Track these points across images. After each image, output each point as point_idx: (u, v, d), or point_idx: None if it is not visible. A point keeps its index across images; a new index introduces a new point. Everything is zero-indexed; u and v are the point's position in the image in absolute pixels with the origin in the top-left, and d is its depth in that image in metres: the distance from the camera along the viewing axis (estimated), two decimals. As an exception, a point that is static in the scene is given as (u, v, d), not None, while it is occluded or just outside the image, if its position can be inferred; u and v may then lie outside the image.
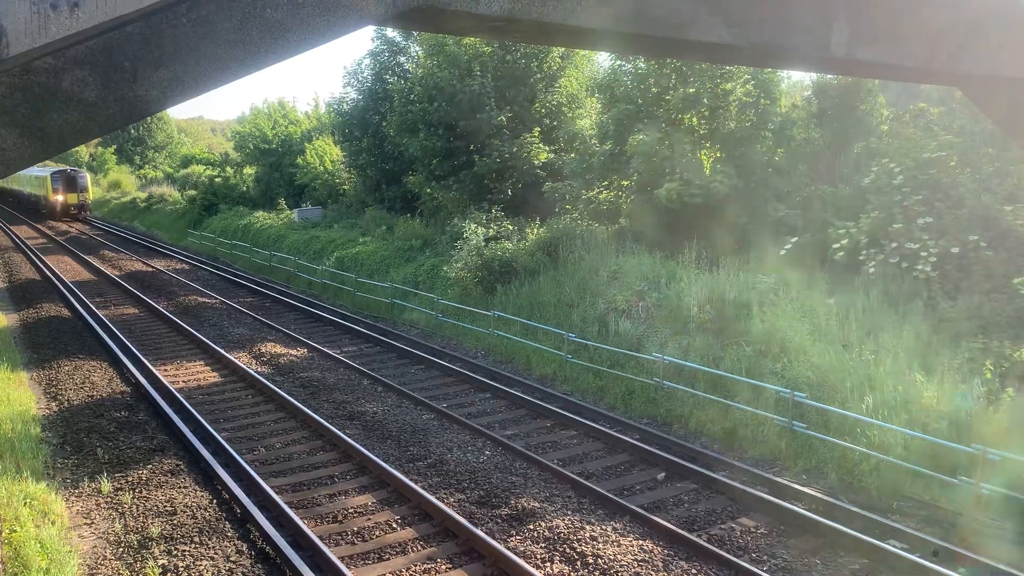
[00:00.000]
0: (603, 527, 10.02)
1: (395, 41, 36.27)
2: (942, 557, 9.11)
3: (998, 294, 14.12)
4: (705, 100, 21.23)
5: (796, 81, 24.16)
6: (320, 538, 9.61)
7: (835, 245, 16.48)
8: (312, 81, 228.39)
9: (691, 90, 21.46)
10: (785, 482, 11.30)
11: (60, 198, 59.76)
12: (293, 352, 19.15)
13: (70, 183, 60.14)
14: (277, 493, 10.93)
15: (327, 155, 43.60)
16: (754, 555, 9.51)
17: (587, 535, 9.77)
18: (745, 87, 21.63)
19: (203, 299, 26.13)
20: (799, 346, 14.18)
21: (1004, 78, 10.69)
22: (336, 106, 40.05)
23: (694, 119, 21.99)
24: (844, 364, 13.31)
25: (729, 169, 20.11)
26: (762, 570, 8.98)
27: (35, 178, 65.18)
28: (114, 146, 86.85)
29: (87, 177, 64.08)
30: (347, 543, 9.78)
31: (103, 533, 10.08)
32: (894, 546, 9.35)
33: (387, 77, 35.88)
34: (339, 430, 13.40)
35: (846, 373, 13.08)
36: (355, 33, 7.62)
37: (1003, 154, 16.25)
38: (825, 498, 10.76)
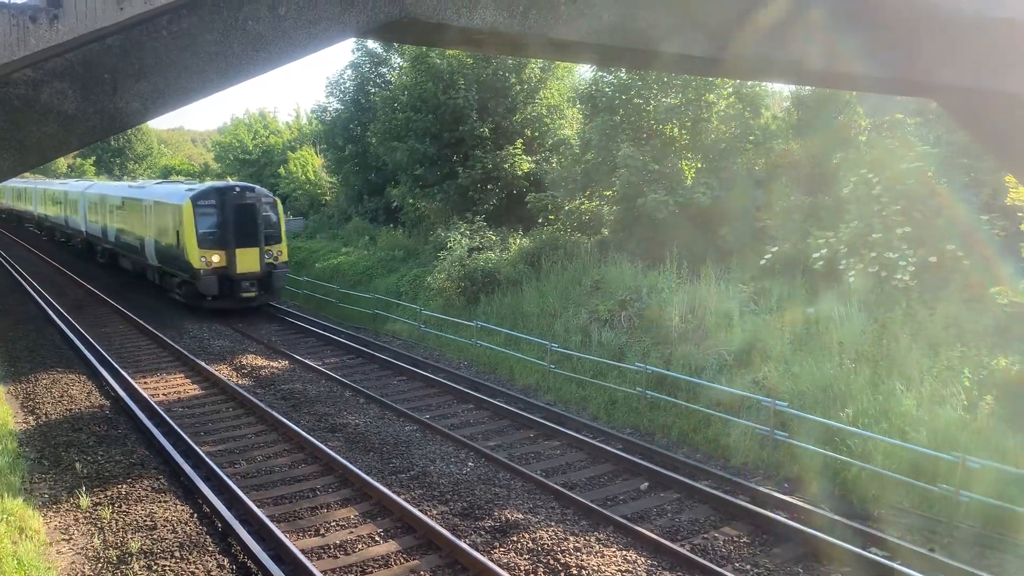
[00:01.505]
0: (587, 538, 10.02)
1: (376, 53, 36.35)
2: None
3: (976, 303, 14.28)
4: (688, 111, 21.39)
5: (774, 92, 24.38)
6: (302, 552, 9.54)
7: (815, 255, 16.62)
8: (293, 92, 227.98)
9: (673, 101, 21.62)
10: (767, 491, 11.34)
11: (215, 258, 24.22)
12: (274, 364, 19.03)
13: (243, 219, 24.55)
14: (259, 507, 10.84)
15: (309, 165, 43.56)
16: (737, 564, 9.54)
17: (571, 546, 9.76)
18: (728, 99, 21.83)
19: (181, 312, 25.91)
20: (780, 355, 14.27)
21: (978, 90, 10.87)
22: (319, 114, 40.09)
23: (676, 130, 22.14)
24: (824, 373, 13.40)
25: (711, 180, 20.26)
26: (745, 579, 9.00)
27: (148, 207, 27.88)
28: (93, 157, 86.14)
29: (277, 206, 26.42)
30: (330, 556, 9.71)
31: (82, 549, 9.96)
32: (875, 554, 9.41)
33: (369, 88, 35.96)
34: (321, 442, 13.32)
35: (827, 382, 13.16)
36: (337, 45, 7.64)
37: (978, 164, 16.46)
38: (807, 507, 10.81)
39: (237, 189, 25.21)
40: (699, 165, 21.89)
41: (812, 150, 20.07)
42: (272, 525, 10.12)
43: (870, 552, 9.44)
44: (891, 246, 15.54)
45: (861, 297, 15.20)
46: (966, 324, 13.77)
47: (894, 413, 12.05)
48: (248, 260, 24.35)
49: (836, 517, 10.43)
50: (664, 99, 22.15)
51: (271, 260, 24.88)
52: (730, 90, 21.85)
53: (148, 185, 31.88)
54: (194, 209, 24.25)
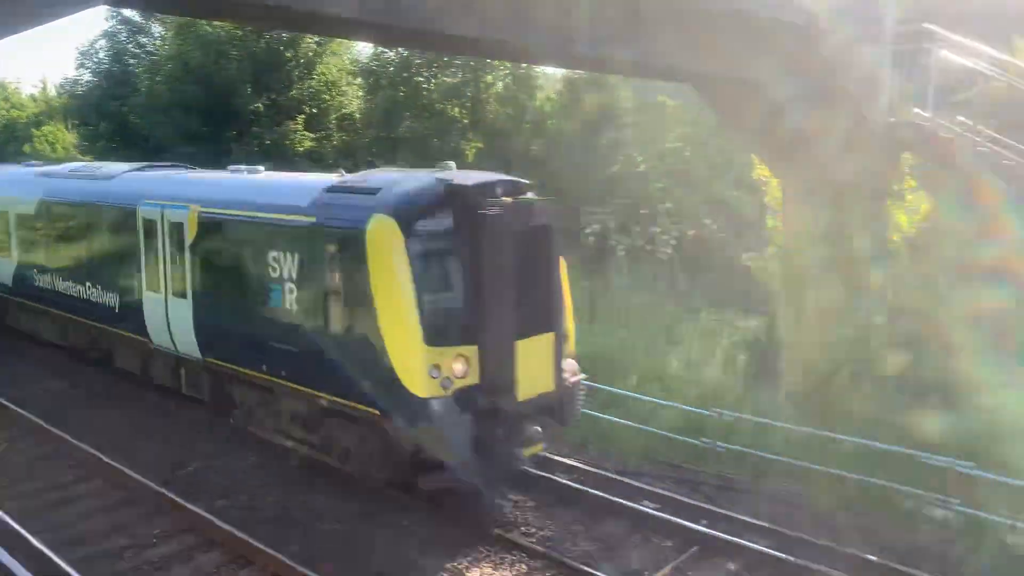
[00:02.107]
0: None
1: (134, 21, 33.60)
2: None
3: (730, 271, 15.70)
4: (467, 91, 21.70)
5: (550, 74, 25.30)
6: None
7: (587, 230, 17.51)
8: (42, 63, 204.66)
9: (454, 80, 21.82)
10: (552, 457, 11.80)
11: (459, 367, 9.05)
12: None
13: (528, 267, 9.34)
14: None
15: (59, 142, 39.54)
16: (523, 529, 9.86)
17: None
18: (504, 81, 22.35)
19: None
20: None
21: (724, 77, 11.86)
22: (69, 88, 36.47)
23: (456, 110, 22.39)
24: (606, 342, 14.13)
25: (490, 159, 20.71)
26: (530, 542, 9.34)
27: (171, 224, 12.18)
28: None
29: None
30: None
31: None
32: (647, 507, 10.13)
33: (127, 59, 33.22)
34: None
35: (607, 350, 13.90)
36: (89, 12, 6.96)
37: (729, 145, 18.03)
38: (589, 468, 11.37)
39: (499, 189, 9.76)
40: (480, 145, 22.29)
41: (582, 130, 21.05)
42: None
43: (643, 505, 10.16)
44: (655, 221, 16.70)
45: (631, 269, 16.24)
46: (721, 290, 15.13)
47: (666, 375, 12.98)
48: (536, 367, 9.70)
49: (614, 476, 11.08)
50: (444, 78, 22.30)
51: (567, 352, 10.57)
52: (507, 72, 22.38)
53: (128, 174, 14.94)
54: (407, 241, 9.23)
